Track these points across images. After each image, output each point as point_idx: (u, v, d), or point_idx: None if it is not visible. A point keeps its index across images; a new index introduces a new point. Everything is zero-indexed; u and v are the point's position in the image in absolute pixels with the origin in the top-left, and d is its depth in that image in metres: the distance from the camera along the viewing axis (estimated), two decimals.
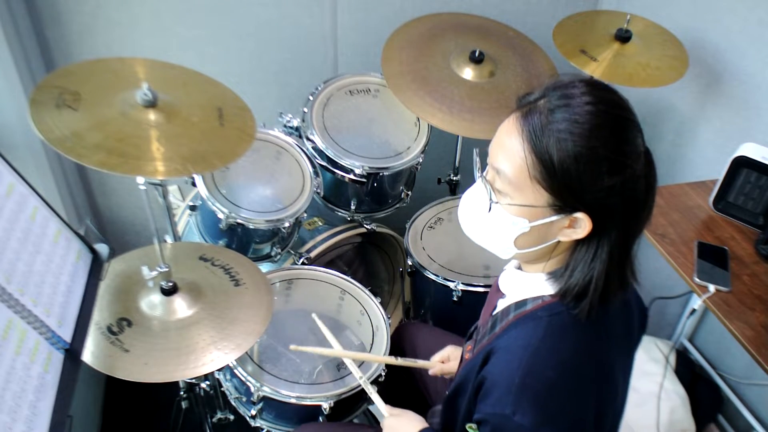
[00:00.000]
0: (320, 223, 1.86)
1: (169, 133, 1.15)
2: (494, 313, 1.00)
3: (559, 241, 0.86)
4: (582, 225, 0.82)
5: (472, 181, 0.94)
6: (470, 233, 0.95)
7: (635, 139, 0.81)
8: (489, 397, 0.85)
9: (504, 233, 0.88)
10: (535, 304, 0.90)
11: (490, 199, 0.87)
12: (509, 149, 0.83)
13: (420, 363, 1.35)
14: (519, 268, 0.99)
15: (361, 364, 1.42)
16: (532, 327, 0.87)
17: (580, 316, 0.85)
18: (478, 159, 0.92)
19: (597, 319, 0.88)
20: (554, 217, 0.83)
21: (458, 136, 1.84)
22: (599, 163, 0.78)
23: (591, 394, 0.86)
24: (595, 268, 0.84)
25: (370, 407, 1.51)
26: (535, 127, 0.80)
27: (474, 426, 0.88)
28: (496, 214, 0.87)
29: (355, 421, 1.48)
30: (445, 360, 1.31)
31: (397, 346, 1.49)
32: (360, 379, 1.28)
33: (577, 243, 0.86)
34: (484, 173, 0.90)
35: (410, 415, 1.15)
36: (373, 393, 1.25)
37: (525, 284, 0.94)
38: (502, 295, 1.00)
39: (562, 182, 0.80)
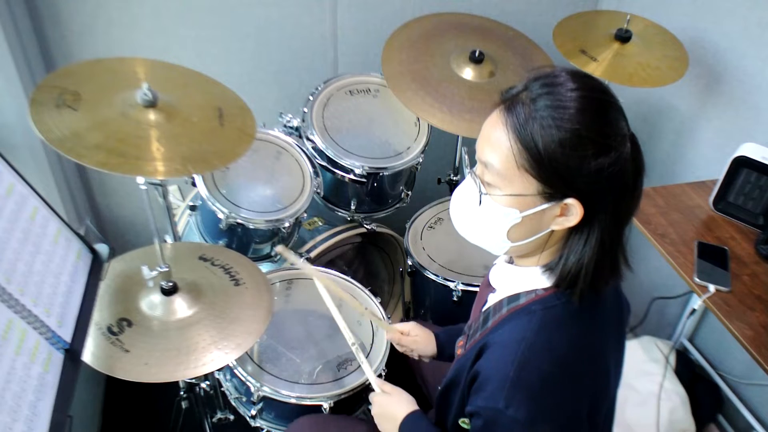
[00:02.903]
0: (320, 223, 1.86)
1: (169, 133, 1.15)
2: (485, 308, 1.00)
3: (552, 232, 0.87)
4: (574, 211, 0.82)
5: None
6: (463, 231, 0.95)
7: (618, 121, 0.81)
8: (482, 391, 0.85)
9: (496, 226, 0.88)
10: (528, 297, 0.90)
11: (480, 192, 0.87)
12: (495, 141, 0.84)
13: (383, 323, 1.35)
14: (510, 262, 0.99)
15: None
16: (527, 321, 0.87)
17: (573, 301, 0.86)
18: (466, 157, 0.92)
19: (590, 309, 0.88)
20: (545, 205, 0.83)
21: (458, 136, 1.84)
22: (584, 147, 0.79)
23: (585, 388, 0.86)
24: (586, 253, 0.84)
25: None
26: (518, 116, 0.81)
27: (467, 421, 0.88)
28: (487, 207, 0.87)
29: None
30: (405, 333, 1.31)
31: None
32: (352, 346, 1.26)
33: (570, 232, 0.86)
34: (473, 169, 0.90)
35: (401, 395, 1.14)
36: (364, 362, 1.24)
37: (518, 278, 0.94)
38: (492, 290, 1.00)
39: (550, 168, 0.80)
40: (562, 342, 0.85)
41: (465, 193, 0.92)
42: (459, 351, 1.07)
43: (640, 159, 0.84)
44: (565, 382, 0.84)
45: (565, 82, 0.81)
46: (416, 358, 1.33)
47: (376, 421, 1.15)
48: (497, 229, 0.88)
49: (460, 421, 0.95)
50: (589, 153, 0.79)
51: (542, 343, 0.84)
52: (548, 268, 0.89)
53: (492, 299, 0.99)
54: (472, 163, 0.91)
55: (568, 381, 0.84)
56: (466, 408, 0.89)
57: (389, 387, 1.18)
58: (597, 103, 0.81)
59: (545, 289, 0.89)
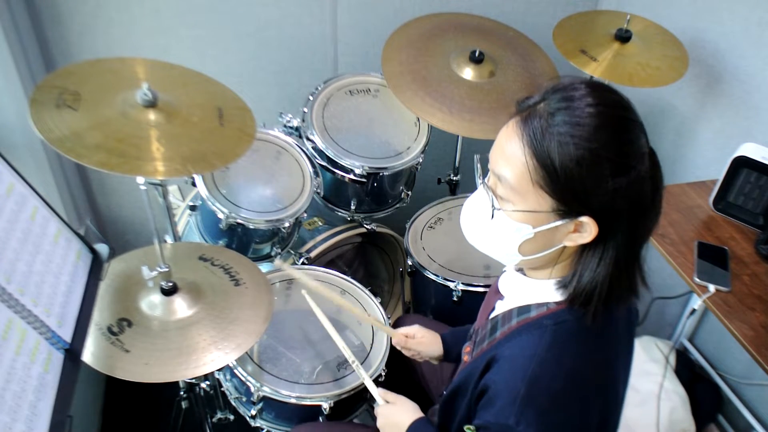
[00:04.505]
0: (320, 223, 1.86)
1: (169, 133, 1.15)
2: (492, 315, 0.99)
3: (564, 247, 0.85)
4: (588, 229, 0.81)
5: (472, 181, 0.93)
6: (474, 241, 0.93)
7: (638, 139, 0.79)
8: (492, 406, 0.84)
9: (508, 240, 0.86)
10: (539, 311, 0.89)
11: (493, 206, 0.85)
12: (510, 155, 0.82)
13: (387, 328, 1.35)
14: (520, 270, 0.97)
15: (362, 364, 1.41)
16: (538, 335, 0.86)
17: (586, 321, 0.84)
18: (479, 165, 0.91)
19: (602, 326, 0.87)
20: (559, 222, 0.82)
21: (458, 136, 1.84)
22: (602, 166, 0.77)
23: (595, 405, 0.85)
24: (601, 272, 0.82)
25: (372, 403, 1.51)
26: (535, 131, 0.79)
27: (472, 427, 0.88)
28: (499, 221, 0.86)
29: (356, 421, 1.48)
30: (410, 336, 1.31)
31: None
32: (353, 363, 1.27)
33: (584, 248, 0.84)
34: (486, 179, 0.88)
35: (405, 404, 1.14)
36: (366, 378, 1.24)
37: (529, 289, 0.93)
38: (500, 297, 0.99)
39: (566, 186, 0.79)
40: (573, 358, 0.84)
41: (477, 204, 0.90)
42: (465, 357, 1.06)
43: (658, 176, 0.82)
44: (575, 398, 0.83)
45: (583, 96, 0.79)
46: (421, 360, 1.33)
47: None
48: (509, 243, 0.87)
49: (465, 428, 0.95)
50: (606, 172, 0.77)
51: (553, 360, 0.83)
52: (562, 284, 0.87)
53: (500, 307, 0.97)
54: (485, 171, 0.89)
55: (579, 397, 0.83)
56: (473, 421, 0.88)
57: (392, 396, 1.17)
58: (616, 121, 0.78)
59: (557, 303, 0.88)
